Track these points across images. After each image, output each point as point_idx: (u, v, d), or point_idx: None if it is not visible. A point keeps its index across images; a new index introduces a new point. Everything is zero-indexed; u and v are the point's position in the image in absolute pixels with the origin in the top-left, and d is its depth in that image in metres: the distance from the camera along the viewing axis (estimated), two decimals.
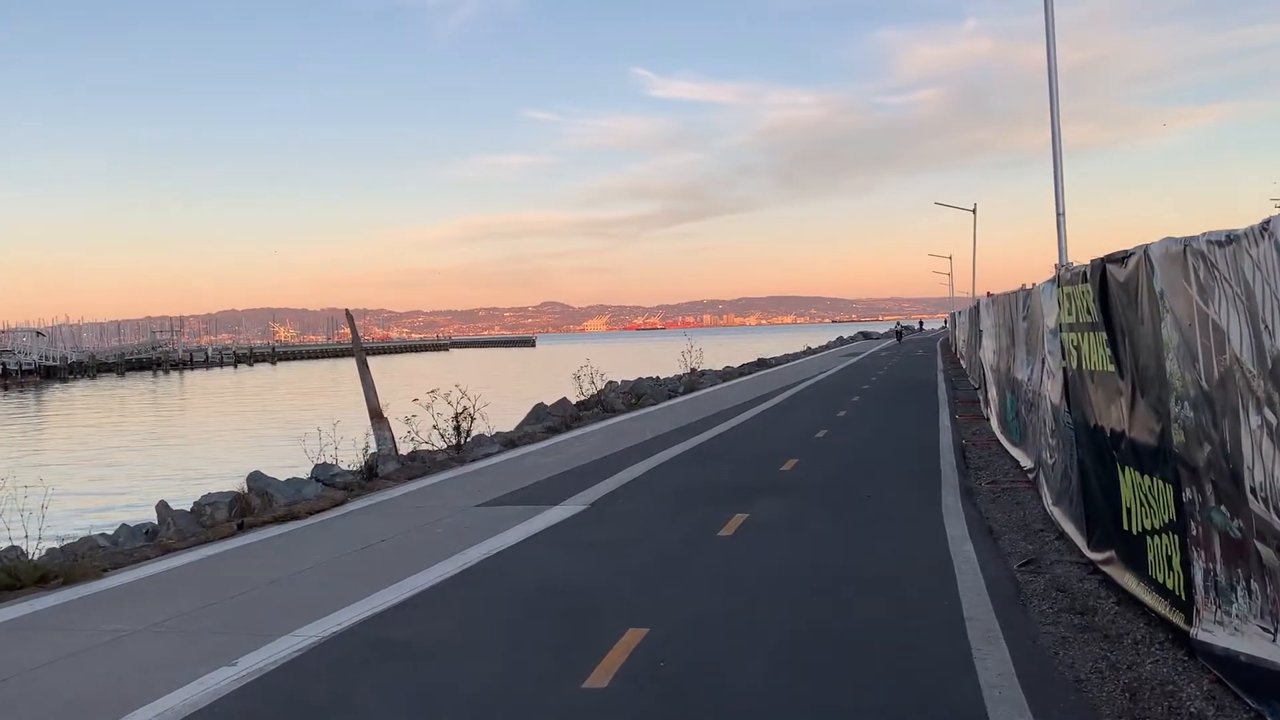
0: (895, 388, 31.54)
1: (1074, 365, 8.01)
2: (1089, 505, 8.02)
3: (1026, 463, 12.74)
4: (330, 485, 14.80)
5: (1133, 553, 6.86)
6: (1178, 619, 5.99)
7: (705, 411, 25.02)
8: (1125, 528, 6.98)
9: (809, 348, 79.57)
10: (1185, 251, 5.18)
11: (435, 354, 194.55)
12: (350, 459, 16.80)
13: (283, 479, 15.24)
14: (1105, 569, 7.61)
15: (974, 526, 10.23)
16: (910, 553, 9.16)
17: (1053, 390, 9.81)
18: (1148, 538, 6.51)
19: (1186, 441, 5.52)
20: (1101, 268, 6.79)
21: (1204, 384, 5.15)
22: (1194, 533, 5.63)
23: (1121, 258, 6.36)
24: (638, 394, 29.64)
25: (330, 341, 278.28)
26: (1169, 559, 6.12)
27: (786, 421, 21.93)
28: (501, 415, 34.37)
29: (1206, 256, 4.94)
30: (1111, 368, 7.01)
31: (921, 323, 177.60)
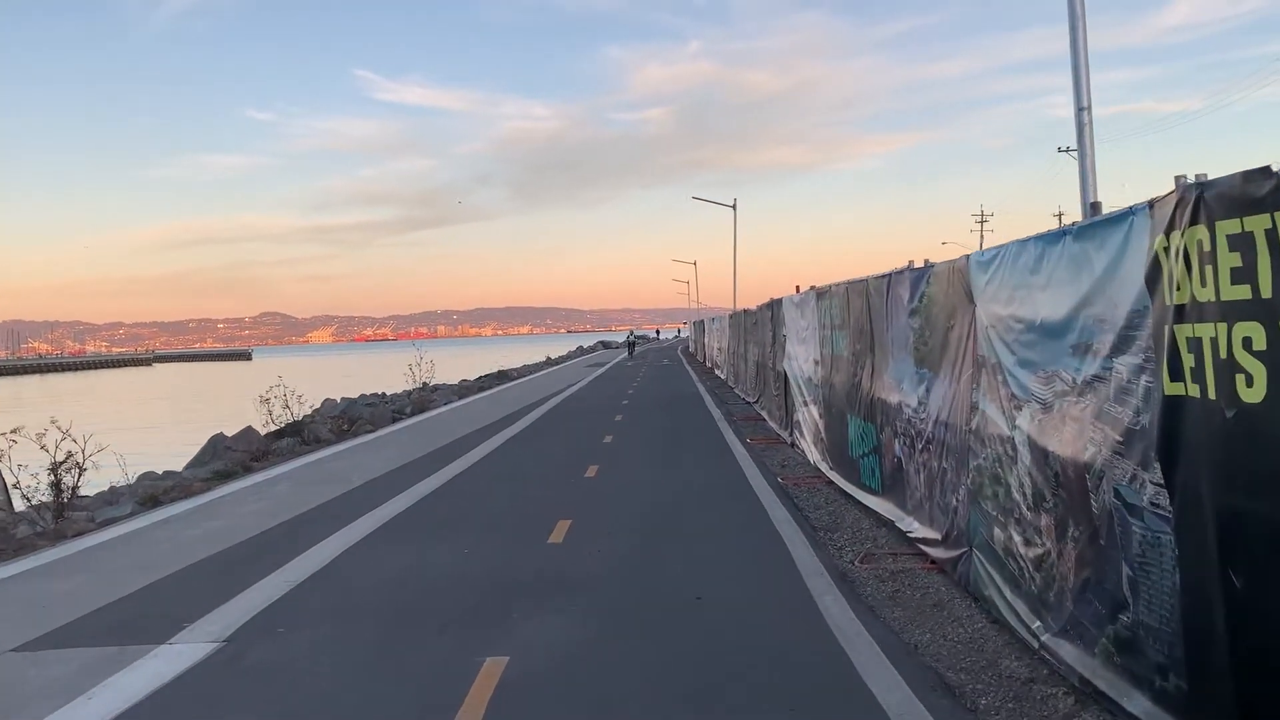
0: (659, 403, 27.50)
1: (1253, 392, 3.64)
2: None
3: (915, 528, 8.60)
4: None
5: None
6: None
7: (438, 440, 19.76)
8: None
9: (549, 358, 75.56)
10: None
11: (136, 369, 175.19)
12: None
13: None
14: None
15: (910, 673, 5.82)
16: None
17: (1055, 437, 5.54)
18: None
19: None
20: None
21: None
22: None
23: None
24: (351, 418, 23.85)
25: (11, 357, 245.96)
26: None
27: (543, 454, 17.11)
28: (174, 448, 27.45)
29: None
30: None
31: (659, 331, 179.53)
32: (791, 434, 16.05)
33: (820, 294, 12.60)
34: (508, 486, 13.48)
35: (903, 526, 8.98)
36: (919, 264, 8.50)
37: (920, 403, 8.28)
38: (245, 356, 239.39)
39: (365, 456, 17.88)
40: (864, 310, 10.15)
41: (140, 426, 46.25)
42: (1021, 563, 6.03)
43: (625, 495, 12.29)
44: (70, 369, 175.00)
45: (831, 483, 12.36)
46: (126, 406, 67.91)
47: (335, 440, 21.73)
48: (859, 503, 10.78)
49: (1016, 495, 6.08)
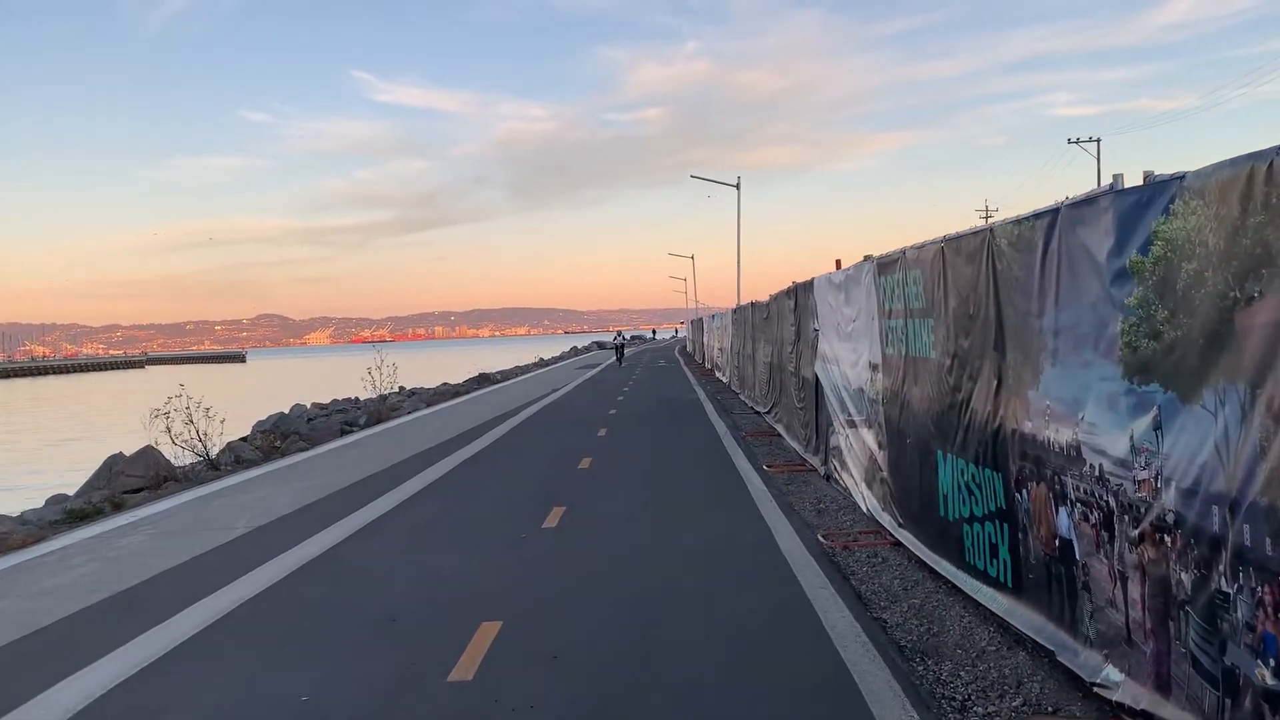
0: (653, 413, 23.49)
1: None
2: None
3: (1116, 683, 4.65)
4: None
5: None
6: None
7: (377, 463, 15.83)
8: None
9: (541, 359, 71.70)
10: None
11: (127, 372, 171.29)
12: None
13: None
14: None
15: None
16: None
17: None
18: None
19: None
20: None
21: None
22: None
23: None
24: (283, 434, 19.88)
25: (6, 360, 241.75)
26: None
27: (496, 488, 13.11)
28: (80, 465, 23.55)
29: None
30: None
31: (654, 331, 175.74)
32: (826, 461, 12.06)
33: (883, 265, 8.56)
34: (427, 546, 9.52)
35: (1072, 664, 5.02)
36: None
37: (1136, 449, 4.33)
38: (239, 359, 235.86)
39: (274, 488, 13.93)
40: (980, 281, 6.16)
41: (88, 436, 42.31)
42: None
43: (596, 574, 8.28)
44: (62, 371, 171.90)
45: (898, 543, 8.42)
46: (92, 411, 63.89)
47: (260, 460, 17.82)
48: (955, 587, 6.84)
49: None
